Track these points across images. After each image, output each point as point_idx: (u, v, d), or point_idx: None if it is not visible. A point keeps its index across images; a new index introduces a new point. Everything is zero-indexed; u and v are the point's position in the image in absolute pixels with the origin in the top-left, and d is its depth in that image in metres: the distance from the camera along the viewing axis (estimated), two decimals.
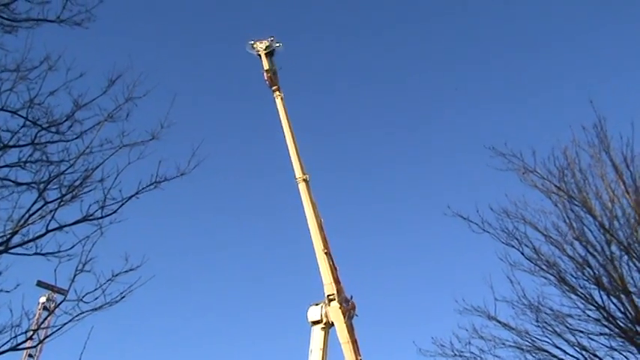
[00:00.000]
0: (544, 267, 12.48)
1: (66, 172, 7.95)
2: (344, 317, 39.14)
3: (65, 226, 7.82)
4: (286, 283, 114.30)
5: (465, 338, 13.12)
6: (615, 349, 11.81)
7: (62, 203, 7.80)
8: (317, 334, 40.88)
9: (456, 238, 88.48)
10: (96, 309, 7.63)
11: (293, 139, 41.19)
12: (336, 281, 40.28)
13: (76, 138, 8.42)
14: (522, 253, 12.65)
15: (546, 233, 12.50)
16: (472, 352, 13.05)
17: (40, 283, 41.32)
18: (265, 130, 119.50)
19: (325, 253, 39.92)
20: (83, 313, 7.53)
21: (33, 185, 8.02)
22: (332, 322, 39.86)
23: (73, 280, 7.43)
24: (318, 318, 41.29)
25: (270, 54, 42.84)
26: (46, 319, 8.01)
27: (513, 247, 12.74)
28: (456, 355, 13.16)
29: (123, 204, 8.19)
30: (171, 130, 8.89)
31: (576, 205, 12.18)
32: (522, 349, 12.73)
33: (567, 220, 12.24)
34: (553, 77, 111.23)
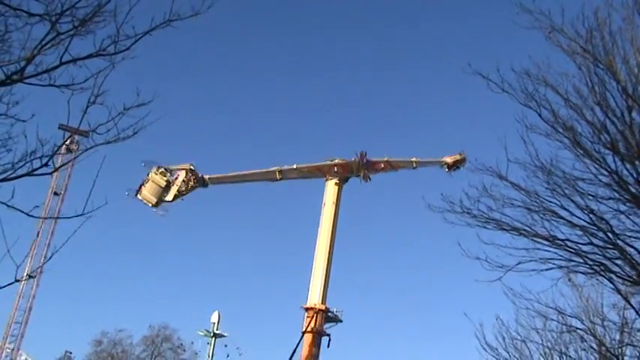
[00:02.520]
0: (560, 130, 12.40)
1: (78, 4, 7.79)
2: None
3: (78, 59, 7.79)
4: (306, 134, 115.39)
5: (474, 196, 13.36)
6: (622, 213, 11.99)
7: (75, 34, 7.71)
8: (330, 188, 41.92)
9: (473, 96, 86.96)
10: (109, 142, 7.79)
11: None
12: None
13: None
14: (540, 115, 12.52)
15: (566, 97, 12.30)
16: (480, 210, 13.35)
17: (61, 126, 41.91)
18: None
19: None
20: (97, 145, 7.72)
21: (45, 17, 7.88)
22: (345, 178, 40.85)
23: (85, 112, 7.51)
24: None
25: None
26: (59, 146, 8.03)
27: (531, 108, 12.59)
28: (464, 211, 13.48)
29: (136, 41, 8.08)
30: None
31: (601, 69, 11.83)
32: (530, 209, 12.97)
33: (590, 84, 11.96)
34: None
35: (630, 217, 11.97)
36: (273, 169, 34.96)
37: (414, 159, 43.03)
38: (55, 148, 7.23)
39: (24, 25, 7.97)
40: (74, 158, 7.40)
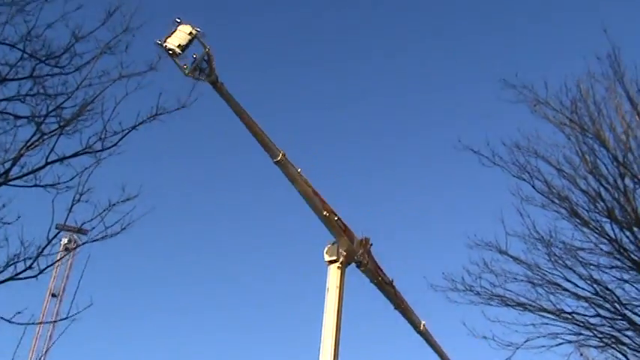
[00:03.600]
0: (556, 200, 12.34)
1: (64, 104, 7.88)
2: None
3: (65, 158, 7.80)
4: (303, 222, 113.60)
5: (475, 273, 13.12)
6: (627, 282, 11.77)
7: (61, 133, 7.75)
8: (333, 272, 41.31)
9: (466, 172, 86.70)
10: (97, 239, 7.71)
11: None
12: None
13: (75, 71, 8.30)
14: (534, 187, 12.51)
15: (559, 167, 12.33)
16: (483, 287, 13.07)
17: (58, 226, 41.87)
18: (274, 59, 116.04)
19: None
20: (83, 244, 7.63)
21: (32, 119, 7.96)
22: (347, 261, 40.01)
23: (70, 211, 7.47)
24: (335, 257, 41.72)
25: None
26: (44, 248, 8.00)
27: (525, 180, 12.60)
28: (466, 289, 13.20)
29: (123, 137, 8.14)
30: (172, 62, 8.71)
31: (589, 138, 11.93)
32: (533, 283, 12.71)
33: (580, 153, 12.03)
34: (565, 5, 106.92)
35: (634, 285, 11.74)
36: (280, 148, 32.75)
37: (423, 323, 39.87)
38: (40, 250, 7.13)
39: (11, 128, 8.04)
40: (60, 259, 7.28)
